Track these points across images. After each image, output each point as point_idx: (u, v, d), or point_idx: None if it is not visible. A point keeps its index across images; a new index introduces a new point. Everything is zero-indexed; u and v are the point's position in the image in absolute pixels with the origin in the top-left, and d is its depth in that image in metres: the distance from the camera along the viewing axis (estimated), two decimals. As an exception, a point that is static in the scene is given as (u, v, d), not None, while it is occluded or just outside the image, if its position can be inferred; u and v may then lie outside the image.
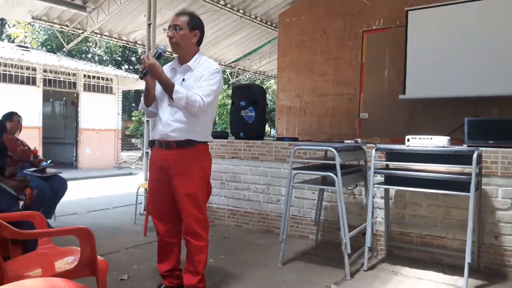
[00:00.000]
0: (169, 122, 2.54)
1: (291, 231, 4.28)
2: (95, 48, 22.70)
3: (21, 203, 2.64)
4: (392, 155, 3.51)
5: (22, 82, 10.96)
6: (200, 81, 2.50)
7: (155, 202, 2.69)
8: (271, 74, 13.42)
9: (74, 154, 12.58)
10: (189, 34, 2.55)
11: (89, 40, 20.04)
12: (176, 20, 2.55)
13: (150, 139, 4.85)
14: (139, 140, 18.74)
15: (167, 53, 3.55)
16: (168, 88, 2.40)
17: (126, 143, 19.72)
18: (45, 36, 21.21)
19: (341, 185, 3.15)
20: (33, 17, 7.46)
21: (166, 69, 2.62)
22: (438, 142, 3.26)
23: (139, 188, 5.05)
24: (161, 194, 2.63)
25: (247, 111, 4.82)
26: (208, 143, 2.69)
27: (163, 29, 2.80)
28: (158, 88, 2.58)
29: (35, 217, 2.25)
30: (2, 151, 3.32)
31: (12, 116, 4.45)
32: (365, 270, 3.32)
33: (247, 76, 14.67)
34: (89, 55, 22.97)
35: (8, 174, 3.34)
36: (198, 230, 2.55)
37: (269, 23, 8.89)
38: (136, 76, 13.98)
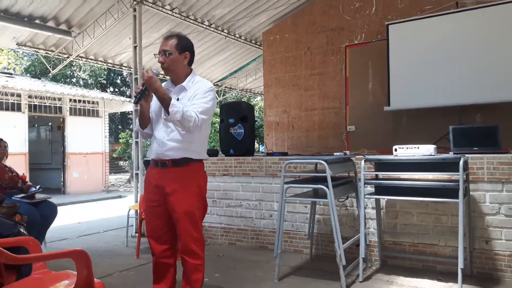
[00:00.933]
0: (164, 141, 2.56)
1: (285, 246, 4.28)
2: (80, 72, 22.64)
3: (21, 228, 2.59)
4: (381, 166, 3.57)
5: (7, 109, 10.86)
6: (194, 99, 2.54)
7: (151, 222, 2.68)
8: (258, 91, 13.53)
9: (62, 179, 12.41)
10: (179, 57, 2.59)
11: (73, 64, 20.00)
12: (165, 44, 2.58)
13: (145, 158, 4.83)
14: (126, 162, 18.54)
15: (159, 76, 3.56)
16: (165, 101, 2.44)
17: (114, 166, 19.52)
18: (28, 62, 21.11)
19: (333, 197, 3.18)
20: (18, 44, 7.44)
21: None
22: (425, 151, 3.33)
23: (129, 210, 5.01)
24: (157, 213, 2.62)
25: (236, 128, 4.86)
26: (203, 161, 2.71)
27: (154, 54, 2.82)
28: (153, 108, 2.63)
29: (29, 243, 2.23)
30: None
31: (-3, 143, 4.39)
32: (360, 281, 3.34)
33: (234, 94, 14.76)
34: (74, 79, 22.87)
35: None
36: (194, 248, 2.54)
37: (253, 41, 9.02)
38: (123, 98, 13.97)
